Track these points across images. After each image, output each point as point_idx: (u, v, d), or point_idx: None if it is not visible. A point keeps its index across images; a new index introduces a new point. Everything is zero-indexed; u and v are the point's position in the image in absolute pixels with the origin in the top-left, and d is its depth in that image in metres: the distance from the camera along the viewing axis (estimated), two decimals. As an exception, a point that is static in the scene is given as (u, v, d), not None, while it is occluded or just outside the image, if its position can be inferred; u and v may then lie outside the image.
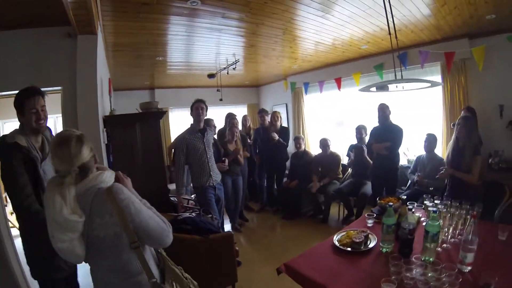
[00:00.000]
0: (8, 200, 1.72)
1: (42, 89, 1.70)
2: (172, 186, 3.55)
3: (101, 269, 1.19)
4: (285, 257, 3.19)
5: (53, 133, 1.89)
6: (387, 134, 3.65)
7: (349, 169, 4.59)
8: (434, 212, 1.62)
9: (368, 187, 4.06)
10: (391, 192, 3.67)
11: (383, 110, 3.70)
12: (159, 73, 5.28)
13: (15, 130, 1.70)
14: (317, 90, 5.71)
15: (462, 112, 3.58)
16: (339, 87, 5.25)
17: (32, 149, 1.68)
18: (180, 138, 3.19)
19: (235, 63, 4.59)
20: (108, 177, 1.20)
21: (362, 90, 2.39)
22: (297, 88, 6.18)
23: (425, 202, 2.20)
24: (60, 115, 2.57)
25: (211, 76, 5.25)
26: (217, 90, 5.48)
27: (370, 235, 1.99)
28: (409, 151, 4.64)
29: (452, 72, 4.00)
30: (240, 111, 6.96)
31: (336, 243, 1.96)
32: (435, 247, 1.61)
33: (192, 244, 2.48)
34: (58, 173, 1.11)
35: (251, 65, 5.33)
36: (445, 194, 2.73)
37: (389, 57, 4.23)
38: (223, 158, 3.86)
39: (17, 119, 1.72)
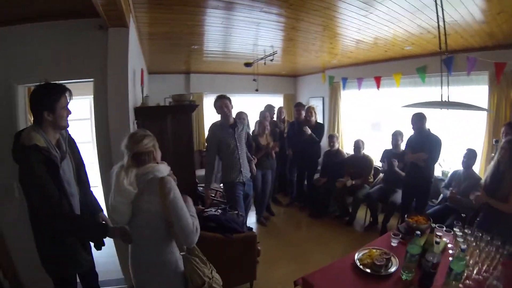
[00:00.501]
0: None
1: (74, 81, 1.71)
2: (202, 172, 3.59)
3: (140, 239, 1.58)
4: (305, 259, 3.43)
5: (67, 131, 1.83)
6: (424, 145, 3.45)
7: (381, 174, 4.42)
8: (462, 250, 1.56)
9: (398, 196, 3.92)
10: (422, 205, 3.60)
11: (419, 119, 3.47)
12: (195, 60, 5.27)
13: (30, 128, 1.61)
14: (355, 87, 5.46)
15: (503, 129, 3.26)
16: (378, 86, 4.97)
17: (51, 148, 1.61)
18: (212, 134, 3.18)
19: (273, 54, 4.44)
20: (163, 169, 1.60)
21: (406, 106, 2.27)
22: (335, 82, 5.94)
23: (454, 229, 2.15)
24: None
25: (247, 64, 5.16)
26: (253, 80, 5.38)
27: (392, 258, 1.95)
28: (445, 163, 4.33)
29: (500, 83, 3.64)
30: (277, 101, 6.84)
31: (357, 262, 1.95)
32: (457, 285, 1.57)
33: (214, 242, 2.55)
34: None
35: (289, 57, 5.17)
36: (477, 220, 2.55)
37: (433, 60, 4.04)
38: (253, 157, 3.84)
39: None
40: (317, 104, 6.58)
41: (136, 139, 1.56)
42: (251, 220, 4.49)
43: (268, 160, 4.34)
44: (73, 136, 1.90)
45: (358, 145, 4.52)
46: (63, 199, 1.61)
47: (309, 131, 4.61)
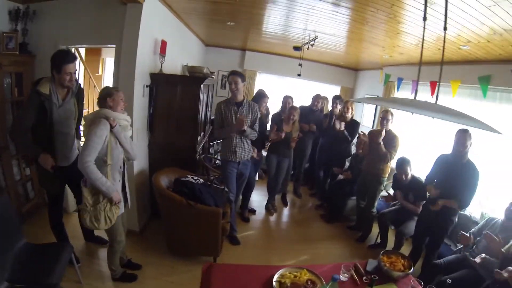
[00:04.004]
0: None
1: (101, 46, 2.41)
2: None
3: None
4: (284, 257, 3.57)
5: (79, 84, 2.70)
6: (457, 176, 2.92)
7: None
8: None
9: (412, 225, 3.53)
10: (433, 246, 3.19)
11: (464, 144, 2.86)
12: (249, 38, 5.69)
13: (47, 78, 2.42)
14: (409, 89, 5.08)
15: None
16: (432, 93, 4.53)
17: (54, 96, 2.42)
18: (217, 108, 3.47)
19: (315, 39, 4.52)
20: (107, 111, 2.26)
21: (357, 101, 2.13)
22: (390, 81, 5.63)
23: None
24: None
25: (296, 48, 5.33)
26: (299, 65, 5.54)
27: None
28: (488, 202, 3.65)
29: None
30: (333, 92, 6.74)
31: (276, 276, 1.94)
32: None
33: (178, 205, 2.94)
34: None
35: (348, 48, 5.18)
36: None
37: (501, 69, 3.53)
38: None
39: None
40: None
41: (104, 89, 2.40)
42: (260, 204, 4.84)
43: (287, 148, 4.41)
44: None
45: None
46: (46, 131, 2.40)
47: (342, 126, 4.62)
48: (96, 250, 3.08)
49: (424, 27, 1.94)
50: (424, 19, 1.81)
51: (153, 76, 3.50)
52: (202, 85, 3.68)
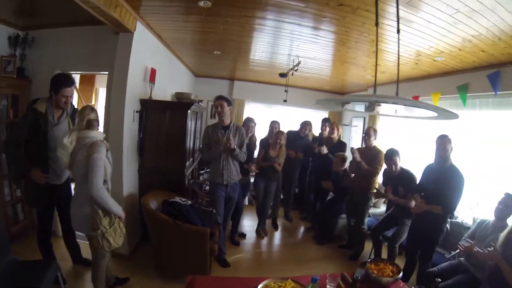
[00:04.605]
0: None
1: (95, 72, 2.56)
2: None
3: (77, 180, 2.35)
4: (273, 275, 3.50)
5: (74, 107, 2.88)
6: (442, 182, 2.99)
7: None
8: None
9: (401, 231, 3.61)
10: (425, 256, 3.20)
11: (445, 148, 3.01)
12: (236, 68, 6.02)
13: (46, 98, 2.63)
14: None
15: None
16: None
17: (49, 115, 2.61)
18: (205, 132, 3.62)
19: (298, 64, 4.79)
20: (98, 134, 2.36)
21: (319, 103, 2.12)
22: (375, 102, 5.87)
23: None
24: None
25: (282, 75, 5.62)
26: (285, 90, 5.82)
27: None
28: (479, 208, 3.74)
29: None
30: (322, 116, 6.97)
31: (259, 286, 1.93)
32: None
33: (166, 225, 3.01)
34: (78, 123, 2.36)
35: (332, 72, 5.47)
36: None
37: (477, 76, 3.77)
38: (249, 163, 4.25)
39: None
40: (359, 124, 6.65)
41: (92, 108, 2.40)
42: (251, 228, 4.88)
43: (274, 171, 4.53)
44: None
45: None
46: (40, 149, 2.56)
47: (325, 150, 4.80)
48: (84, 272, 3.07)
49: (398, 41, 2.05)
50: (398, 31, 1.96)
51: (142, 102, 3.69)
52: (189, 111, 3.87)
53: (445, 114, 1.45)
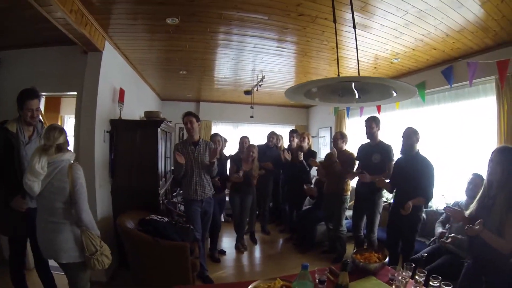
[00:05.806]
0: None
1: (63, 93, 2.52)
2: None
3: (42, 211, 2.19)
4: None
5: (44, 125, 2.77)
6: (411, 170, 3.18)
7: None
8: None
9: (373, 219, 3.80)
10: (407, 246, 3.29)
11: (409, 136, 3.23)
12: (202, 88, 6.21)
13: (14, 118, 2.55)
14: (358, 114, 5.77)
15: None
16: (378, 111, 5.15)
17: (20, 134, 2.53)
18: (176, 145, 3.67)
19: (262, 79, 5.05)
20: (70, 156, 2.26)
21: (288, 96, 2.05)
22: (340, 110, 6.34)
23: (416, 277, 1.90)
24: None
25: (247, 92, 5.86)
26: (251, 107, 6.05)
27: None
28: (449, 194, 4.04)
29: (508, 88, 3.17)
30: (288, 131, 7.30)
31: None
32: None
33: (144, 244, 2.97)
34: (44, 145, 2.15)
35: (292, 84, 5.65)
36: (464, 270, 2.33)
37: (433, 73, 4.22)
38: (236, 174, 4.35)
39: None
40: (326, 135, 7.02)
41: (61, 130, 2.22)
42: (230, 244, 4.89)
43: (248, 185, 4.63)
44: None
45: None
46: (15, 170, 2.45)
47: (301, 156, 4.97)
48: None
49: (356, 40, 2.20)
50: (354, 27, 2.12)
51: (113, 122, 3.73)
52: (159, 129, 3.93)
53: (404, 90, 1.69)
